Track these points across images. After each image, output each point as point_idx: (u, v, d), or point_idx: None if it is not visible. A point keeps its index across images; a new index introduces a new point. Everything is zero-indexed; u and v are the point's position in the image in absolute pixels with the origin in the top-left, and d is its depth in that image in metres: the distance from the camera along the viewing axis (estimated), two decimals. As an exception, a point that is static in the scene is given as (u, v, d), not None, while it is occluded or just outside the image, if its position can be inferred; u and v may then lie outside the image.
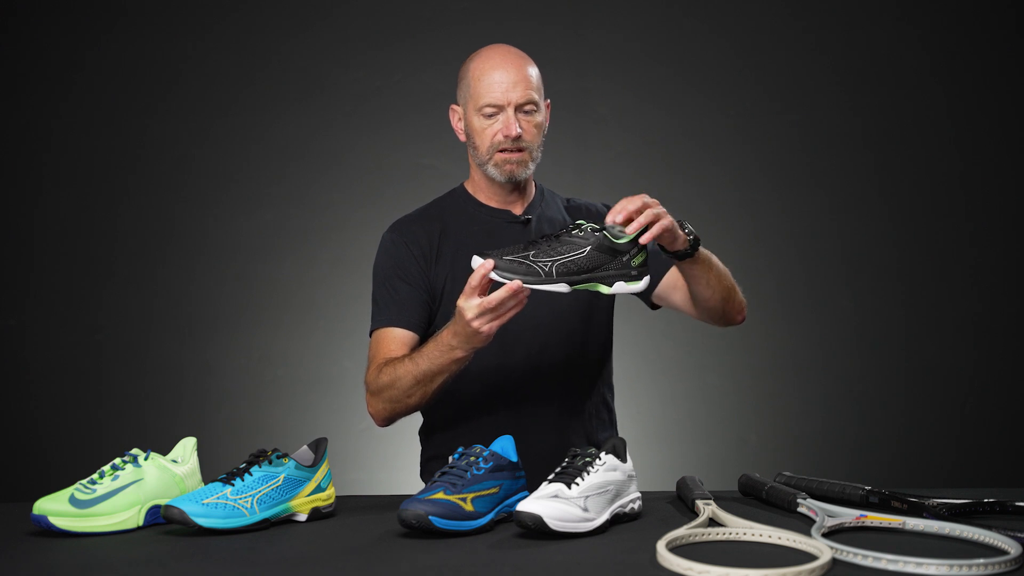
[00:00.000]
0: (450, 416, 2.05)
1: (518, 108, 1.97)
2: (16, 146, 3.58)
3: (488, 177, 2.03)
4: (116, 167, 3.59)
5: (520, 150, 1.99)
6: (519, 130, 1.96)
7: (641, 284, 1.66)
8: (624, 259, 1.64)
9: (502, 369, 2.00)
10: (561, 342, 2.04)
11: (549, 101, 2.07)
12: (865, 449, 3.57)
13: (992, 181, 3.63)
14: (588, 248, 1.62)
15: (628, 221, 1.65)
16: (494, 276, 1.61)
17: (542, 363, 2.02)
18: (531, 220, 2.07)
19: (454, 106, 2.07)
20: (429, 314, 2.02)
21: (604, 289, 1.63)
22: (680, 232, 1.77)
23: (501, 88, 1.96)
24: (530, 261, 1.58)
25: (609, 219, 1.66)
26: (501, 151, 1.98)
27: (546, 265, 1.59)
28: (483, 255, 1.62)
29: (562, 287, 1.59)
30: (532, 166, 2.02)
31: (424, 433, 2.15)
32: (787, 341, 3.63)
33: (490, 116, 1.98)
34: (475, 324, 1.70)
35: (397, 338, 1.98)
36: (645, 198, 1.68)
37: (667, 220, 1.69)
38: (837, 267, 3.63)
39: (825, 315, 3.62)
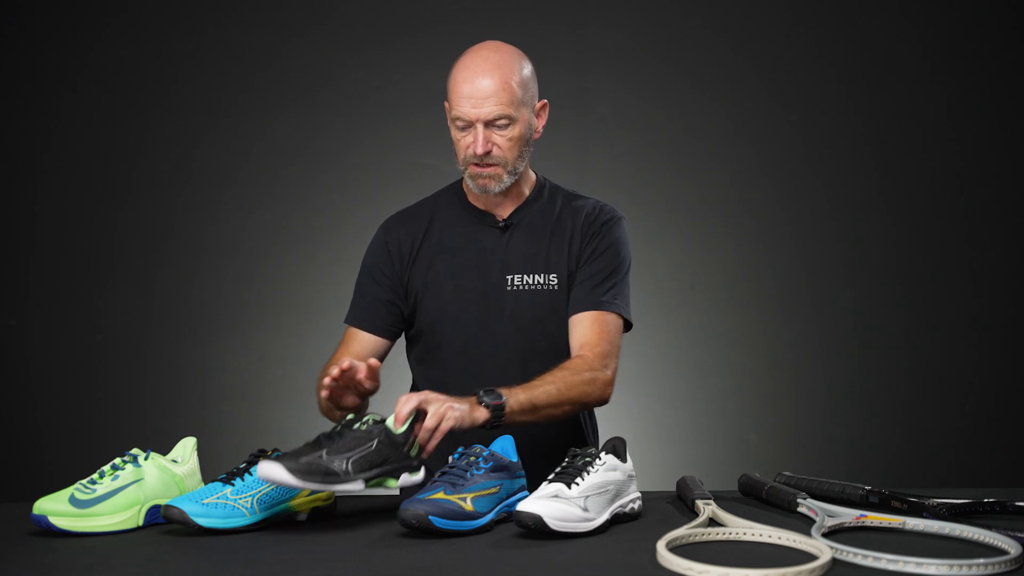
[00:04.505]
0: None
1: (489, 123, 1.93)
2: (16, 146, 3.58)
3: None
4: (116, 167, 3.59)
5: (491, 165, 1.96)
6: (487, 147, 1.93)
7: (420, 474, 1.65)
8: (404, 450, 1.62)
9: (494, 366, 2.02)
10: (550, 343, 2.04)
11: (545, 102, 2.03)
12: (865, 449, 3.57)
13: (992, 181, 3.63)
14: (375, 442, 1.58)
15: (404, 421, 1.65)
16: (294, 482, 1.49)
17: (532, 361, 2.02)
18: (510, 226, 2.06)
19: (447, 103, 2.04)
20: (400, 315, 2.08)
21: (392, 483, 1.61)
22: (475, 415, 1.73)
23: (470, 103, 1.92)
24: (325, 461, 1.52)
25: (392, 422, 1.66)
26: (474, 165, 1.97)
27: (342, 463, 1.54)
28: (279, 458, 1.51)
29: (359, 484, 1.55)
30: (508, 179, 1.99)
31: None
32: (787, 341, 3.63)
33: (462, 129, 1.96)
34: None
35: (359, 340, 2.08)
36: (420, 399, 1.67)
37: (446, 425, 1.67)
38: (837, 267, 3.63)
39: (825, 315, 3.62)
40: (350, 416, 1.63)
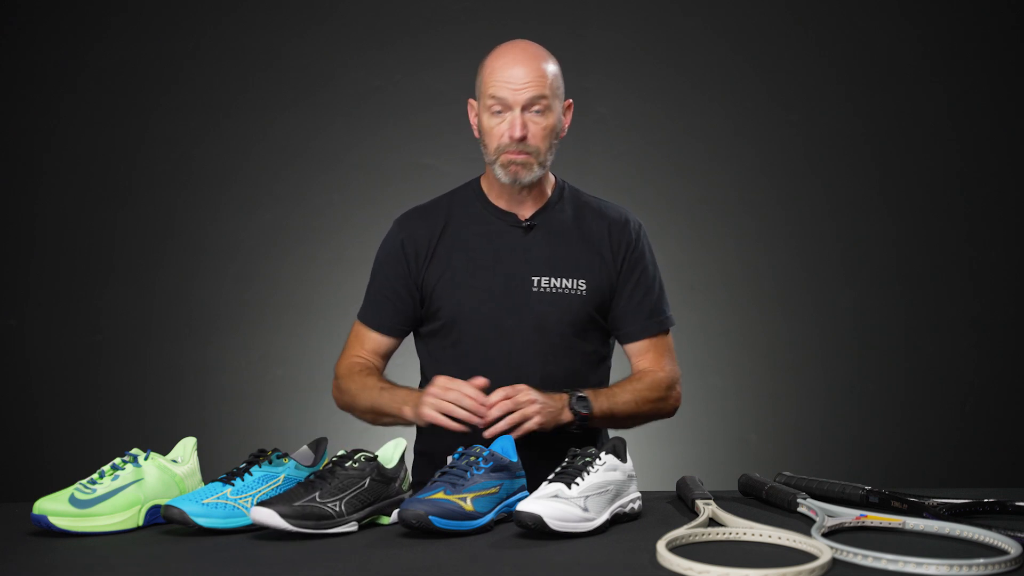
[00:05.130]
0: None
1: (526, 108, 1.94)
2: (16, 146, 3.58)
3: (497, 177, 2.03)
4: (116, 167, 3.59)
5: (525, 153, 1.96)
6: (523, 131, 1.94)
7: None
8: (396, 485, 1.65)
9: (509, 367, 2.01)
10: (567, 343, 2.04)
11: (571, 102, 2.04)
12: (865, 449, 3.57)
13: (992, 181, 3.63)
14: (368, 480, 1.59)
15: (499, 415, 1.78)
16: (289, 528, 1.49)
17: (551, 362, 2.03)
18: (533, 227, 2.06)
19: (472, 100, 2.05)
20: (412, 313, 2.10)
21: (385, 520, 1.62)
22: (561, 419, 1.86)
23: (510, 86, 1.93)
24: (319, 504, 1.52)
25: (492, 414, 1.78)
26: (507, 152, 1.97)
27: (336, 505, 1.54)
28: (269, 504, 1.50)
29: (353, 526, 1.55)
30: (538, 170, 1.99)
31: (418, 427, 2.15)
32: (787, 341, 3.63)
33: (498, 114, 1.96)
34: (429, 395, 1.81)
35: (371, 339, 2.11)
36: (516, 398, 1.80)
37: (531, 424, 1.79)
38: (837, 267, 3.63)
39: (825, 315, 3.62)
40: (341, 453, 1.64)
